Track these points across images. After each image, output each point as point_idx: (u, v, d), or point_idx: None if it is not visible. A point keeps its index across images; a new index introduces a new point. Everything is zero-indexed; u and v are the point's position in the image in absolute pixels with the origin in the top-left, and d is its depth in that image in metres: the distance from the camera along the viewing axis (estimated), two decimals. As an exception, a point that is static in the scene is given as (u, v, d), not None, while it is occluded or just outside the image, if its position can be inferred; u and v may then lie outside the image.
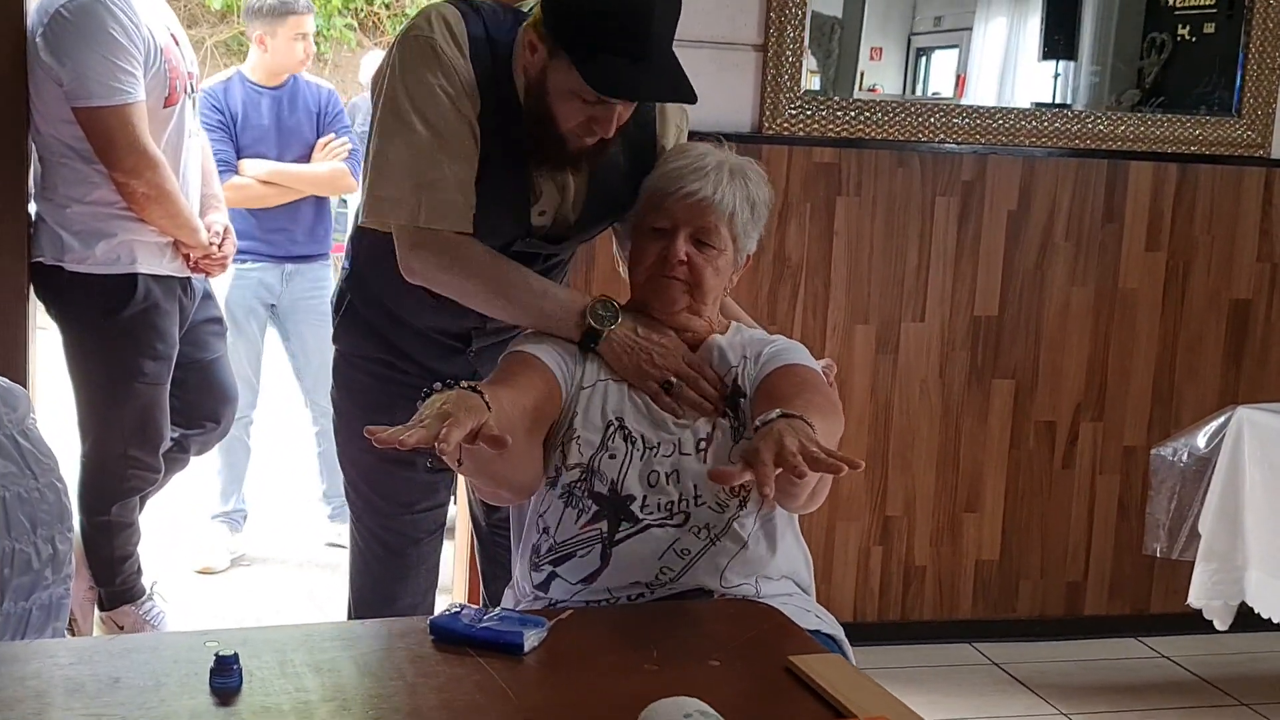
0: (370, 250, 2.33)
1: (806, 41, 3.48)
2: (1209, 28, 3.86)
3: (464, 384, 1.72)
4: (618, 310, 2.09)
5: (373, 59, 8.21)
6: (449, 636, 1.63)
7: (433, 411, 1.61)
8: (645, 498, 2.00)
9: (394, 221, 2.17)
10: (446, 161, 2.10)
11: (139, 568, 3.47)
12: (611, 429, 2.04)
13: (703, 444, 2.03)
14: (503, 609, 1.69)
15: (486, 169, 2.15)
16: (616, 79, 1.97)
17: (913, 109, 3.62)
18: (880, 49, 3.83)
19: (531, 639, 1.61)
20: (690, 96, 2.04)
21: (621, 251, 2.33)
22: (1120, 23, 3.99)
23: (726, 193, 2.06)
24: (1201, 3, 3.87)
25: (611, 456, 2.02)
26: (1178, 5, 3.92)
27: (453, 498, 2.74)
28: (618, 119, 2.06)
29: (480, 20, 2.16)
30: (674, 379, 2.05)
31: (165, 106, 3.21)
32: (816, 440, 1.67)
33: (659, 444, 2.03)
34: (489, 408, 1.68)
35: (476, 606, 1.67)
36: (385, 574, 2.49)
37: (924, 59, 3.94)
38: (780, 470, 1.59)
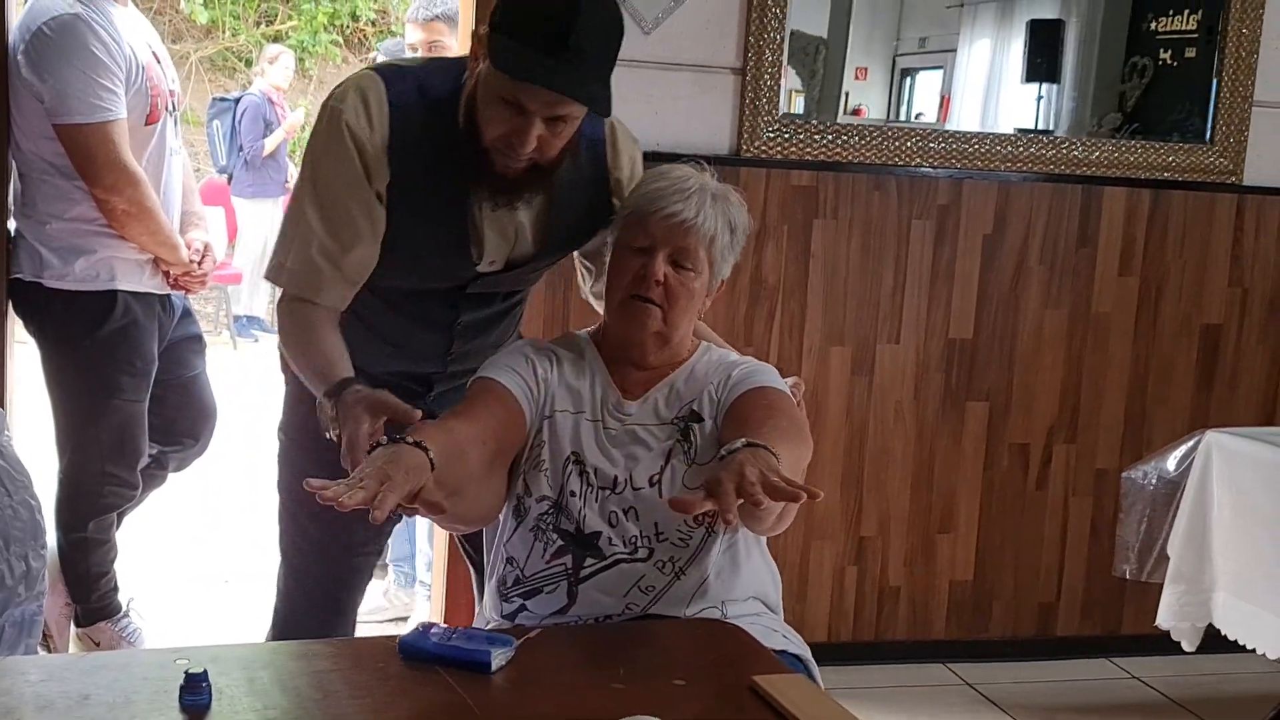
0: None
1: (785, 65, 3.51)
2: (1190, 52, 3.90)
3: (409, 439, 1.72)
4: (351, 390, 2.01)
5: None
6: (417, 655, 1.65)
7: (373, 470, 1.62)
8: (609, 536, 2.02)
9: (268, 276, 2.24)
10: (321, 234, 2.13)
11: (115, 584, 3.47)
12: (569, 464, 2.06)
13: (655, 477, 2.05)
14: (470, 628, 1.71)
15: (422, 218, 2.17)
16: (522, 62, 1.94)
17: (889, 133, 3.66)
18: (865, 69, 3.85)
19: (499, 658, 1.63)
20: (601, 108, 2.03)
21: (583, 265, 2.38)
22: (1103, 46, 4.02)
23: (708, 215, 2.08)
24: (1183, 28, 3.92)
25: (572, 494, 2.04)
26: (1160, 30, 3.96)
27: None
28: (539, 136, 2.02)
29: (411, 80, 2.17)
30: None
31: (147, 124, 3.23)
32: (778, 470, 1.69)
33: (614, 478, 2.05)
34: (433, 465, 1.70)
35: (445, 626, 1.68)
36: (314, 614, 2.45)
37: (909, 80, 3.98)
38: (740, 501, 1.61)
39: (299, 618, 2.46)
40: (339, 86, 2.17)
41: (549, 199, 2.21)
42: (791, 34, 3.51)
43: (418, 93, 2.15)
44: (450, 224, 2.19)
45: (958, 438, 3.80)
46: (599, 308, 2.29)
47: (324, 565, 2.44)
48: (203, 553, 4.57)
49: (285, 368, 2.38)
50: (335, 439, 1.96)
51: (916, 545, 3.83)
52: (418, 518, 2.56)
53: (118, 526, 3.47)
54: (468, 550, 2.60)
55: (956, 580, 3.87)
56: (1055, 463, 3.88)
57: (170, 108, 3.33)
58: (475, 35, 2.05)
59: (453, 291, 2.29)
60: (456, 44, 4.18)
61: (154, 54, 3.30)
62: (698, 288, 2.10)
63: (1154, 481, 3.28)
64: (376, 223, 2.15)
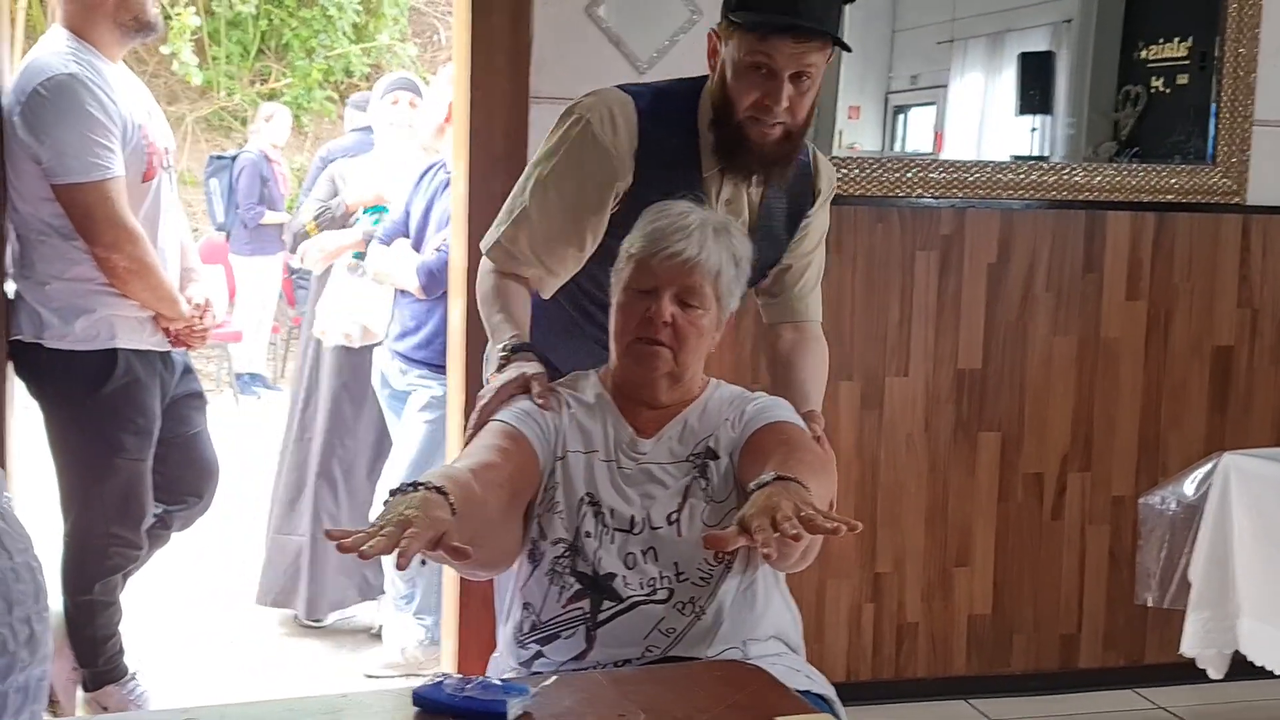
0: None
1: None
2: (1182, 79, 3.89)
3: (431, 485, 1.69)
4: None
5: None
6: (432, 707, 1.60)
7: (394, 517, 1.59)
8: (626, 577, 1.98)
9: (483, 245, 2.43)
10: (539, 227, 2.34)
11: (122, 647, 3.43)
12: (584, 505, 2.03)
13: (673, 515, 2.02)
14: (485, 677, 1.67)
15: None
16: (762, 19, 2.18)
17: (890, 165, 3.64)
18: (858, 107, 3.85)
19: (515, 707, 1.59)
20: (840, 40, 2.23)
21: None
22: (1094, 76, 4.02)
23: (711, 251, 2.06)
24: (1175, 55, 3.91)
25: (588, 534, 2.00)
26: (1151, 58, 3.96)
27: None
28: (789, 97, 2.22)
29: (648, 91, 2.41)
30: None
31: (143, 181, 3.22)
32: (811, 503, 1.66)
33: (630, 518, 2.01)
34: (453, 510, 1.67)
35: (460, 676, 1.64)
36: None
37: (901, 117, 3.97)
38: (777, 534, 1.58)
39: None
40: (585, 98, 2.38)
41: (763, 202, 2.41)
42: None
43: (655, 99, 2.38)
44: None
45: (971, 469, 3.76)
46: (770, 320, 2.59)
47: None
48: (207, 612, 4.52)
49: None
50: (487, 382, 2.21)
51: (934, 580, 3.78)
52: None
53: (123, 588, 3.42)
54: None
55: (975, 614, 3.82)
56: (1070, 491, 3.83)
57: (166, 165, 3.32)
58: (712, 33, 2.31)
59: None
60: (424, 104, 4.26)
61: (148, 111, 3.29)
62: (706, 324, 2.08)
63: (1172, 506, 3.23)
64: (596, 229, 2.34)
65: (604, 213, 2.33)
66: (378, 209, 4.25)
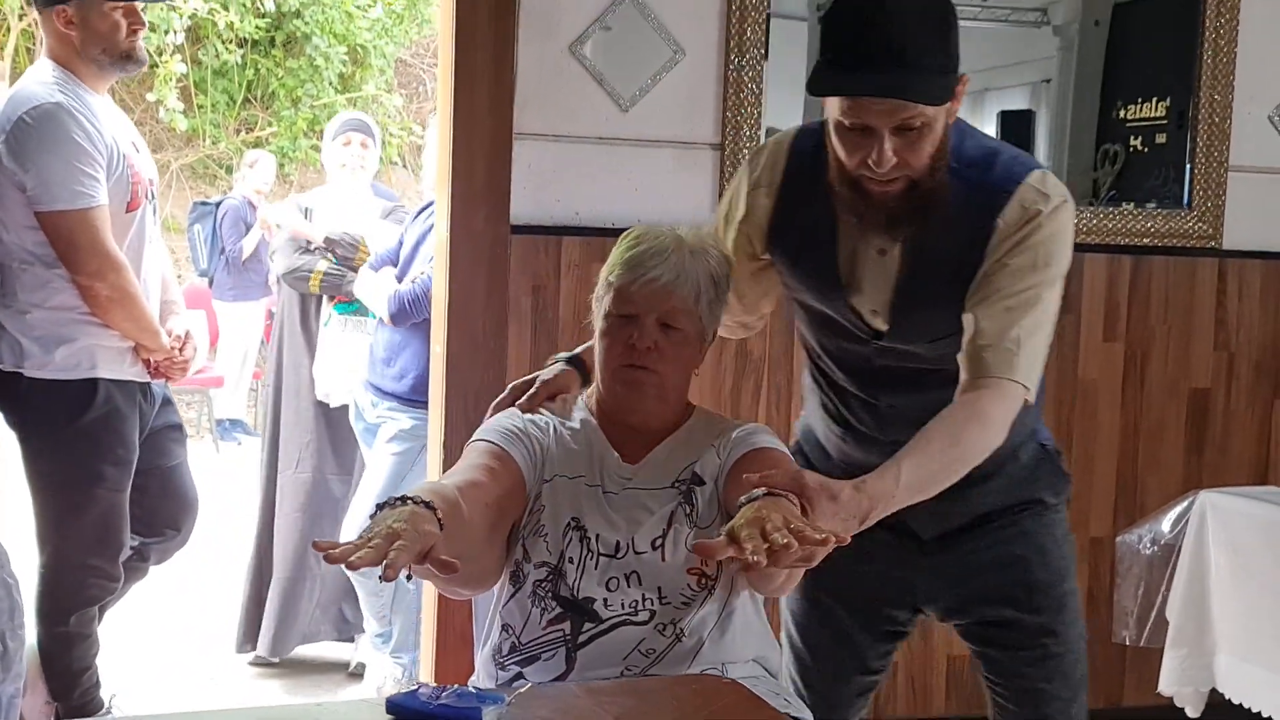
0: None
1: (762, 141, 3.53)
2: (1161, 138, 3.94)
3: (419, 499, 1.69)
4: None
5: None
6: (407, 714, 1.60)
7: (382, 529, 1.59)
8: (608, 599, 1.99)
9: None
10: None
11: (97, 680, 3.40)
12: (570, 529, 2.04)
13: (658, 540, 2.03)
14: (461, 686, 1.67)
15: (805, 264, 2.19)
16: (833, 79, 1.94)
17: (869, 205, 3.67)
18: (841, 162, 3.88)
19: (490, 715, 1.59)
20: (924, 95, 1.92)
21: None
22: (1074, 135, 4.06)
23: (689, 273, 2.07)
24: (1153, 115, 3.96)
25: (571, 560, 2.01)
26: (1130, 118, 4.00)
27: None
28: (894, 149, 1.93)
29: (805, 136, 2.19)
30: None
31: (127, 211, 3.23)
32: (799, 517, 1.66)
33: (615, 543, 2.02)
34: (440, 525, 1.67)
35: (435, 684, 1.64)
36: None
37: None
38: (768, 546, 1.57)
39: None
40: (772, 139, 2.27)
41: (921, 237, 2.08)
42: (766, 130, 3.53)
43: (808, 145, 2.17)
44: (826, 266, 2.16)
45: (950, 509, 3.76)
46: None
47: None
48: (185, 650, 4.49)
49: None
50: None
51: (912, 619, 3.76)
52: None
53: (99, 621, 3.40)
54: None
55: (955, 655, 3.81)
56: (1049, 532, 3.83)
57: (150, 195, 3.34)
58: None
59: (866, 364, 2.20)
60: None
61: (133, 143, 3.32)
62: (689, 347, 2.09)
63: (1149, 545, 3.25)
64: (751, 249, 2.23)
65: (744, 251, 2.23)
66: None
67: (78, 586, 3.28)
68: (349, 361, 4.17)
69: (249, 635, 4.28)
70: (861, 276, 2.14)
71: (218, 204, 9.07)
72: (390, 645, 4.00)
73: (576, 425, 2.14)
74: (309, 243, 4.29)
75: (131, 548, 3.38)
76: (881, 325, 2.15)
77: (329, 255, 4.26)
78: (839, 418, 2.28)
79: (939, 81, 1.92)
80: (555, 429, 2.13)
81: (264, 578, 4.24)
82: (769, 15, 3.47)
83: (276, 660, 4.22)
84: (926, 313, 2.12)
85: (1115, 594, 3.33)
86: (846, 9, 1.97)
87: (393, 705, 1.62)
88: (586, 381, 2.24)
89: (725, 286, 2.14)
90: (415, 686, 1.64)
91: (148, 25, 3.27)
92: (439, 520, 1.68)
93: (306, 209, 4.42)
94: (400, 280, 3.97)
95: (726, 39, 3.46)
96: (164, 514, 3.48)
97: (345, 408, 4.17)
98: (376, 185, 4.58)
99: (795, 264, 2.20)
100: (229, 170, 11.23)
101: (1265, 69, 3.86)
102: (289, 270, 4.28)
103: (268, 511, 4.27)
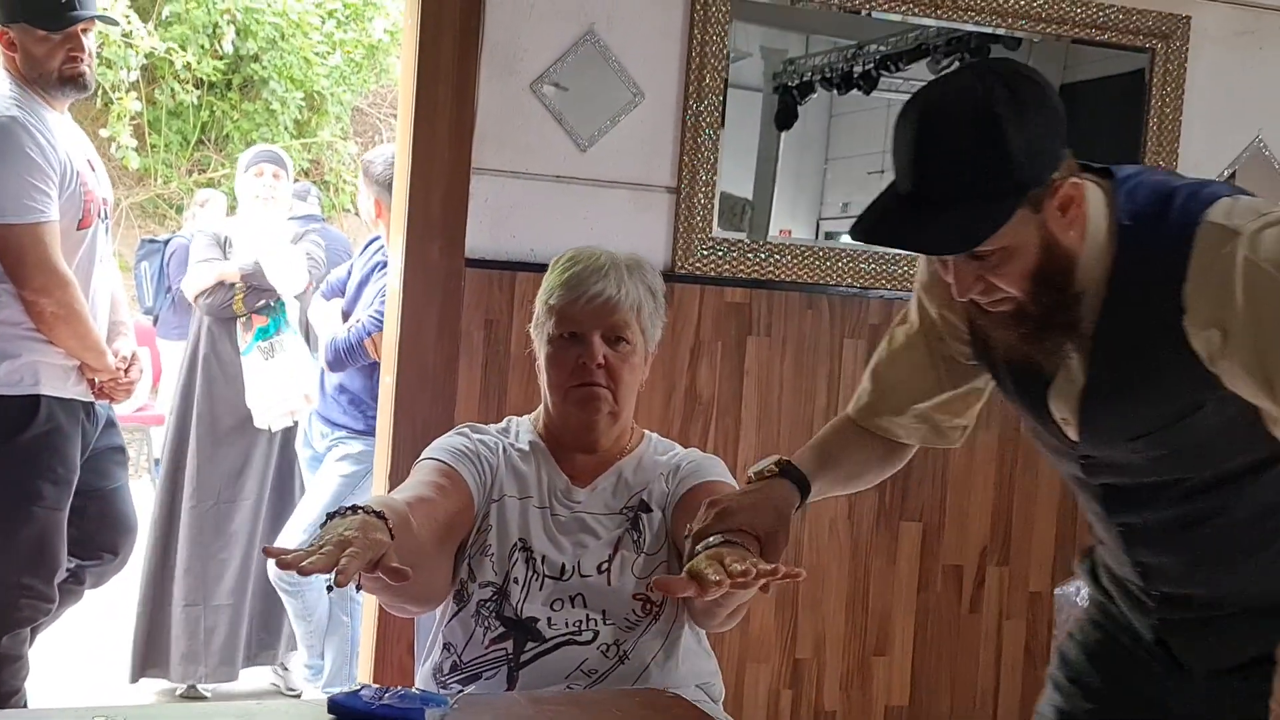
0: None
1: (719, 185, 3.57)
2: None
3: (370, 509, 1.69)
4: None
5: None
6: (349, 714, 1.59)
7: (333, 537, 1.59)
8: (551, 619, 1.99)
9: None
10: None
11: (25, 703, 3.33)
12: (516, 550, 2.04)
13: (603, 565, 2.04)
14: (403, 687, 1.66)
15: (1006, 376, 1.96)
16: (861, 226, 1.74)
17: (821, 254, 3.71)
18: (789, 230, 3.92)
19: (433, 716, 1.58)
20: (947, 245, 1.68)
21: None
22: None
23: (629, 287, 2.11)
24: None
25: (516, 580, 2.01)
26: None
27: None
28: (976, 280, 1.70)
29: None
30: None
31: (78, 229, 3.22)
32: (755, 558, 1.71)
33: (561, 565, 2.02)
34: (392, 535, 1.67)
35: (378, 685, 1.63)
36: None
37: (831, 242, 4.05)
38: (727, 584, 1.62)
39: None
40: None
41: (1097, 333, 1.77)
42: (721, 195, 3.57)
43: None
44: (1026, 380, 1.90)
45: (892, 557, 3.78)
46: None
47: None
48: (118, 677, 4.41)
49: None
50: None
51: (852, 668, 3.77)
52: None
53: (31, 643, 3.34)
54: None
55: (892, 705, 3.82)
56: (989, 584, 3.86)
57: (103, 215, 3.32)
58: None
59: (1080, 482, 1.97)
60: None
61: (88, 160, 3.30)
62: (637, 360, 2.13)
63: (1087, 596, 3.26)
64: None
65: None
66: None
67: (10, 606, 3.23)
68: (279, 388, 4.20)
69: (143, 665, 4.24)
70: (1050, 380, 1.86)
71: (166, 242, 8.99)
72: (322, 680, 3.95)
73: (525, 447, 2.15)
74: (232, 284, 4.38)
75: (68, 570, 3.33)
76: (1073, 434, 1.86)
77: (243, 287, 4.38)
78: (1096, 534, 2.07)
79: (982, 210, 1.63)
80: (505, 449, 2.14)
81: (162, 606, 4.24)
82: (726, 81, 3.51)
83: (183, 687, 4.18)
84: (1119, 411, 1.80)
85: (1053, 645, 3.35)
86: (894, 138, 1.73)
87: (335, 705, 1.61)
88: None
89: (662, 299, 2.18)
90: (359, 687, 1.62)
91: (92, 52, 3.26)
92: (390, 530, 1.67)
93: (225, 238, 4.48)
94: (348, 312, 3.98)
95: (686, 84, 3.50)
96: (102, 536, 3.44)
97: (256, 433, 4.24)
98: (328, 230, 4.70)
99: (994, 369, 1.99)
100: (179, 210, 11.17)
101: (1210, 140, 3.95)
102: (213, 309, 4.38)
103: (162, 540, 4.26)
